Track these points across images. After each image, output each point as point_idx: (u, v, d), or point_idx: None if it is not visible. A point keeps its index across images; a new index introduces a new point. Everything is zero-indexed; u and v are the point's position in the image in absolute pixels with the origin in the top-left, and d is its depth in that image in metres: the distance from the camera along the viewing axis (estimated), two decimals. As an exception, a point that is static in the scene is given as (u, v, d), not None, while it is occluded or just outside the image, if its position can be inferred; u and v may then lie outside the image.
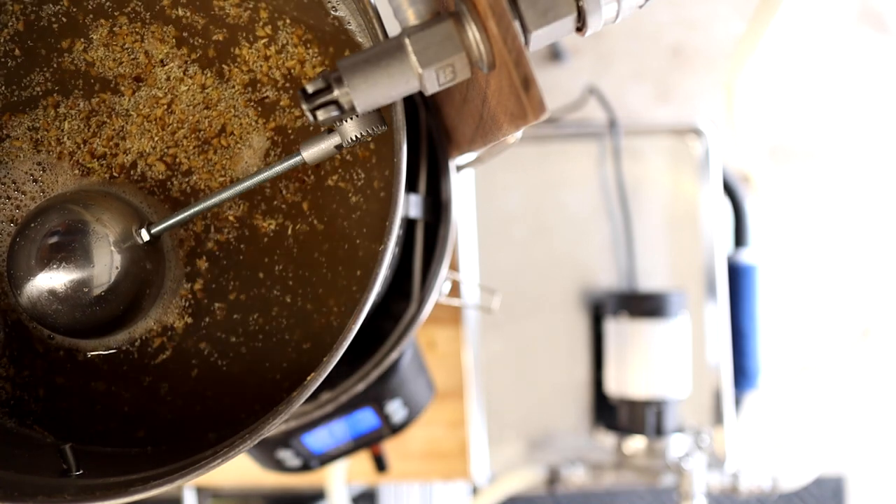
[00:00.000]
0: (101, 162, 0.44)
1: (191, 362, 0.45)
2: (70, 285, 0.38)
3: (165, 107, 0.44)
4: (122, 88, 0.44)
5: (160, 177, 0.44)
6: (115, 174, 0.44)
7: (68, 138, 0.44)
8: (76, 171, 0.44)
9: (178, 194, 0.44)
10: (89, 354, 0.45)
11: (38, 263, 0.38)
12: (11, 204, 0.44)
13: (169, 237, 0.44)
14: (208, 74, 0.44)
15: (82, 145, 0.44)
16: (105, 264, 0.39)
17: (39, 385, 0.45)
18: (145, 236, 0.41)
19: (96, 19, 0.44)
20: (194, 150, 0.44)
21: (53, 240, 0.38)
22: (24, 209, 0.43)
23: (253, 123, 0.44)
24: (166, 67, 0.44)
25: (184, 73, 0.44)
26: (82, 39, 0.44)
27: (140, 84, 0.44)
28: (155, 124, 0.44)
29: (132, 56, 0.44)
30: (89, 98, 0.44)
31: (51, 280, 0.38)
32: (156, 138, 0.44)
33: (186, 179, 0.44)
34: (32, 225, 0.39)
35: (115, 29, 0.44)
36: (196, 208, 0.41)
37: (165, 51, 0.44)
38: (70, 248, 0.38)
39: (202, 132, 0.44)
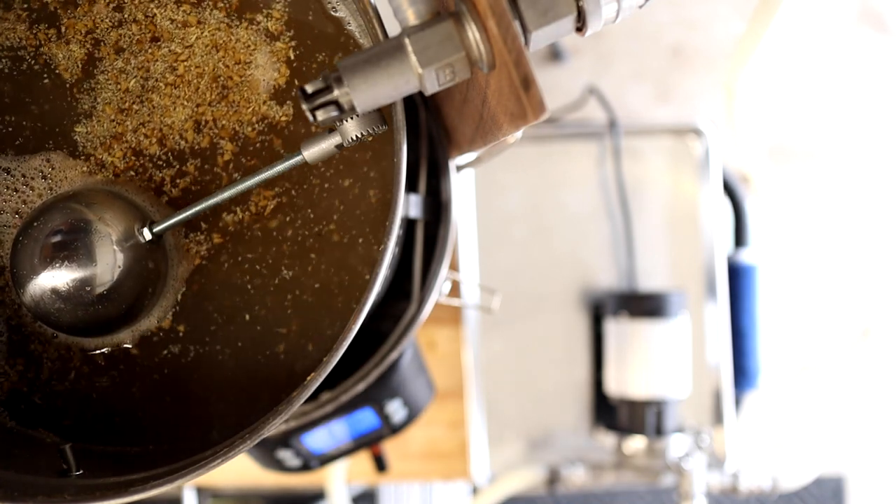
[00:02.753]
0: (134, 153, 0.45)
1: (192, 362, 0.45)
2: (73, 284, 0.38)
3: (185, 60, 0.44)
4: (150, 52, 0.44)
5: (188, 148, 0.45)
6: (153, 155, 0.45)
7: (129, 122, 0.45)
8: (85, 169, 0.44)
9: (196, 171, 0.45)
10: (92, 353, 0.45)
11: (40, 262, 0.38)
12: (18, 198, 0.44)
13: (171, 236, 0.44)
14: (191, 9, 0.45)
15: (133, 133, 0.45)
16: (107, 263, 0.39)
17: (42, 384, 0.45)
18: (147, 235, 0.41)
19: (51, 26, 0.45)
20: (217, 97, 0.45)
21: (56, 238, 0.39)
22: (31, 204, 0.44)
23: (252, 39, 0.45)
24: (164, 14, 0.45)
25: (176, 8, 0.44)
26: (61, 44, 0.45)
27: (159, 42, 0.44)
28: (183, 86, 0.44)
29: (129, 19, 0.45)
30: (137, 54, 0.45)
31: (53, 279, 0.38)
32: (186, 102, 0.44)
33: (215, 131, 0.45)
34: (35, 224, 0.39)
35: (62, 27, 0.45)
36: (197, 207, 0.41)
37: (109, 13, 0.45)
38: (73, 246, 0.38)
39: (220, 77, 0.44)
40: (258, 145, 0.45)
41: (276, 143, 0.45)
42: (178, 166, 0.45)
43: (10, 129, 0.45)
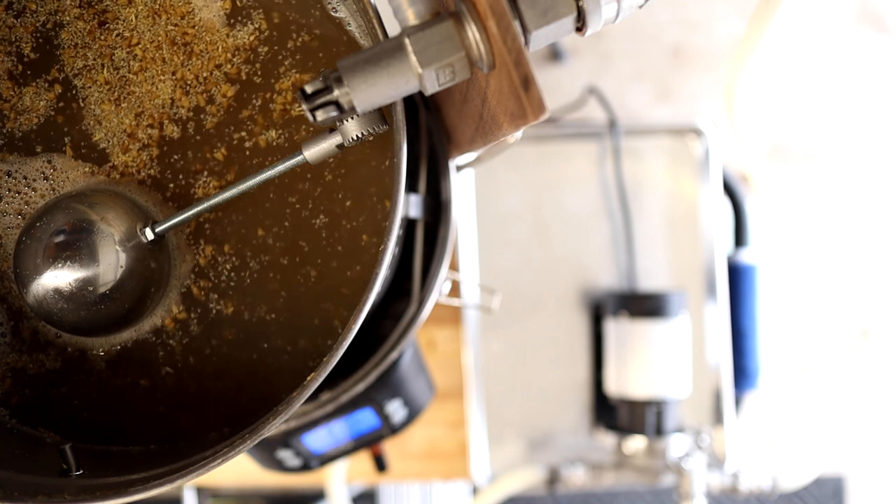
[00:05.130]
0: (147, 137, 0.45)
1: (193, 362, 0.45)
2: (75, 284, 0.39)
3: (137, 43, 0.45)
4: (102, 38, 0.45)
5: (191, 113, 0.45)
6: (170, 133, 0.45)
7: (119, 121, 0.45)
8: (86, 169, 0.44)
9: (212, 124, 0.45)
10: (95, 353, 0.45)
11: (44, 262, 0.38)
12: (21, 199, 0.44)
13: (174, 235, 0.44)
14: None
15: (136, 125, 0.45)
16: (110, 263, 0.39)
17: (45, 384, 0.45)
18: (150, 235, 0.41)
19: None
20: (185, 57, 0.45)
21: (59, 239, 0.39)
22: (34, 205, 0.44)
23: None
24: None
25: None
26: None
27: (107, 26, 0.44)
28: (151, 65, 0.44)
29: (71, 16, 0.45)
30: (91, 45, 0.45)
31: (56, 279, 0.38)
32: (165, 76, 0.45)
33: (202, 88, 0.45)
34: (38, 224, 0.39)
35: None
36: (199, 207, 0.41)
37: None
38: (75, 246, 0.38)
39: (176, 37, 0.45)
40: (246, 74, 0.45)
41: (261, 59, 0.45)
42: (189, 129, 0.45)
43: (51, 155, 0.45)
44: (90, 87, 0.45)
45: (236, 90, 0.45)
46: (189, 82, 0.45)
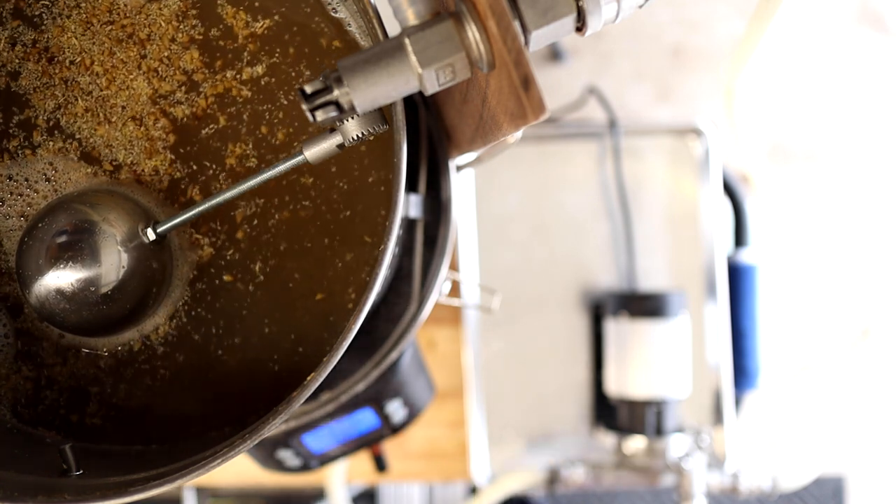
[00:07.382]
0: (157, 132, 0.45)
1: (194, 362, 0.45)
2: (77, 284, 0.39)
3: (92, 63, 0.44)
4: (59, 73, 0.44)
5: (184, 88, 0.45)
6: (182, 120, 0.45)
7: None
8: (88, 171, 0.44)
9: (213, 93, 0.45)
10: (97, 353, 0.45)
11: (46, 263, 0.39)
12: (23, 201, 0.44)
13: (176, 236, 0.44)
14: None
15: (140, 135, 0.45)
16: (112, 263, 0.39)
17: (46, 384, 0.45)
18: (151, 235, 0.41)
19: None
20: (139, 48, 0.45)
21: (61, 239, 0.39)
22: (36, 206, 0.44)
23: None
24: (46, 34, 0.44)
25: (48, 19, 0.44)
26: None
27: (56, 60, 0.44)
28: (116, 73, 0.44)
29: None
30: (53, 83, 0.45)
31: (58, 279, 0.39)
32: (133, 74, 0.44)
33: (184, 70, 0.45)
34: (40, 225, 0.39)
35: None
36: (201, 207, 0.41)
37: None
38: (77, 247, 0.39)
39: (120, 35, 0.44)
40: (201, 34, 0.45)
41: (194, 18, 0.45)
42: (189, 99, 0.45)
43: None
44: (76, 123, 0.45)
45: (199, 49, 0.45)
46: (157, 69, 0.45)
